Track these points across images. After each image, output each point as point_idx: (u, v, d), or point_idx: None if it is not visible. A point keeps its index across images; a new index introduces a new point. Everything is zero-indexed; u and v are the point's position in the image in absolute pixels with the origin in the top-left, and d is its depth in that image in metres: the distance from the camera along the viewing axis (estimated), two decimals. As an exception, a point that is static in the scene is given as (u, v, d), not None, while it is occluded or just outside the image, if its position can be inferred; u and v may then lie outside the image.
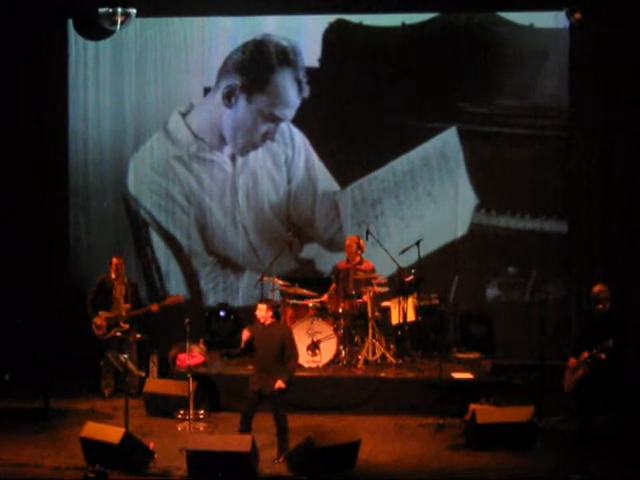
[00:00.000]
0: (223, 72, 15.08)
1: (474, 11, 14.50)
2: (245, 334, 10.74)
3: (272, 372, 10.50)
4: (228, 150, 15.17)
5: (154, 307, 13.05)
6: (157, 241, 15.32)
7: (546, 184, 14.53)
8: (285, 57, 14.90)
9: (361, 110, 14.74)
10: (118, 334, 12.87)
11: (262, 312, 10.65)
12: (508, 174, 14.62)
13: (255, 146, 15.11)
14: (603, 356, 10.72)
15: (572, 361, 11.04)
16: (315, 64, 14.88)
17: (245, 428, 10.55)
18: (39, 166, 14.89)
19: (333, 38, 14.85)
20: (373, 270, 13.21)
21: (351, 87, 14.79)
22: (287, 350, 10.57)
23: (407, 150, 14.84)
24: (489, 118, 14.68)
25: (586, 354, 10.85)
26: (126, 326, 12.94)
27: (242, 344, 10.80)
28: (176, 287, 15.17)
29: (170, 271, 15.31)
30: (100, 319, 12.96)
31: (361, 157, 14.89)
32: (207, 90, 15.13)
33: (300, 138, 15.05)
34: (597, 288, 11.13)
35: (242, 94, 15.03)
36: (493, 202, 14.77)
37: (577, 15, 13.54)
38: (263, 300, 11.30)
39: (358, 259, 13.24)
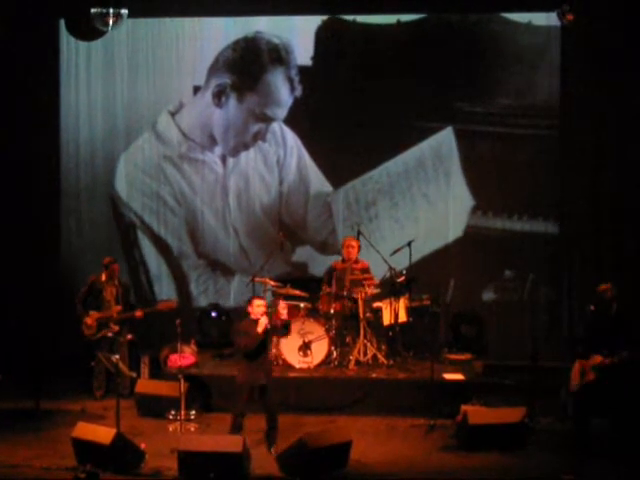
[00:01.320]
0: (213, 70, 15.00)
1: (469, 12, 14.47)
2: (265, 321, 10.61)
3: (265, 363, 10.78)
4: (219, 150, 15.12)
5: (138, 313, 12.98)
6: (147, 243, 15.26)
7: (541, 185, 14.53)
8: (277, 55, 14.80)
9: (355, 110, 14.65)
10: (109, 335, 12.82)
11: (263, 308, 10.77)
12: (504, 175, 14.59)
13: (246, 146, 15.05)
14: (616, 360, 10.68)
15: (582, 363, 10.87)
16: (308, 62, 14.81)
17: (238, 428, 10.63)
18: (30, 166, 14.84)
19: (326, 36, 14.79)
20: (368, 269, 13.22)
21: (344, 86, 14.73)
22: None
23: (402, 151, 14.81)
24: (485, 117, 14.62)
25: (598, 359, 10.77)
26: (116, 327, 12.88)
27: (262, 335, 10.61)
28: (167, 290, 15.17)
29: (160, 274, 15.26)
30: (90, 319, 12.92)
31: (354, 158, 14.81)
32: (197, 89, 15.07)
33: (292, 138, 15.00)
34: (603, 287, 11.01)
35: (233, 93, 14.94)
36: (489, 203, 14.76)
37: (569, 16, 13.54)
38: (257, 296, 11.26)
39: (354, 257, 13.24)
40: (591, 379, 10.75)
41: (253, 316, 10.76)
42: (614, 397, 10.73)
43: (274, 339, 12.64)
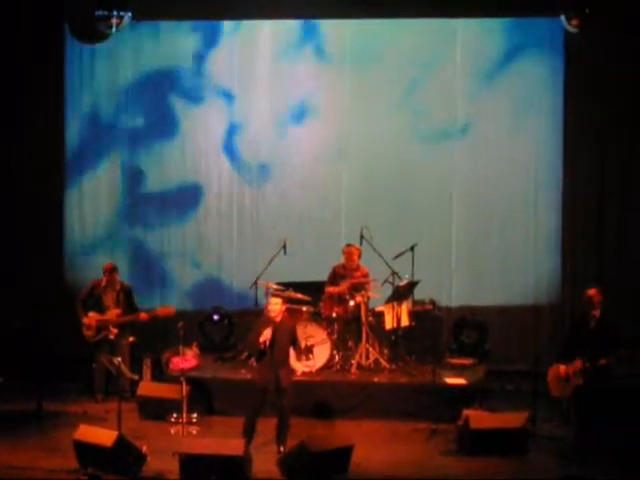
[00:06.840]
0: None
1: (473, 16, 14.47)
2: (268, 334, 10.61)
3: (286, 365, 10.80)
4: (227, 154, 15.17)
5: (143, 315, 12.99)
6: (151, 243, 15.25)
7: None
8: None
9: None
10: (110, 337, 12.83)
11: (278, 306, 10.75)
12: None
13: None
14: (603, 362, 10.77)
15: (561, 368, 11.06)
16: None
17: (251, 430, 10.70)
18: (36, 169, 14.88)
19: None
20: (367, 275, 13.21)
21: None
22: (297, 340, 11.02)
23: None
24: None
25: (579, 364, 10.87)
26: (115, 330, 12.89)
27: (262, 345, 10.61)
28: (170, 292, 15.14)
29: (165, 274, 15.25)
30: (89, 320, 12.94)
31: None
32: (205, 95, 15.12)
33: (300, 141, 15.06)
34: (591, 292, 11.18)
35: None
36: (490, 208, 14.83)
37: (574, 22, 13.56)
38: (275, 294, 11.27)
39: (355, 265, 13.23)
40: (579, 383, 10.89)
41: (267, 313, 10.83)
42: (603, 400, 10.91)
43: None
